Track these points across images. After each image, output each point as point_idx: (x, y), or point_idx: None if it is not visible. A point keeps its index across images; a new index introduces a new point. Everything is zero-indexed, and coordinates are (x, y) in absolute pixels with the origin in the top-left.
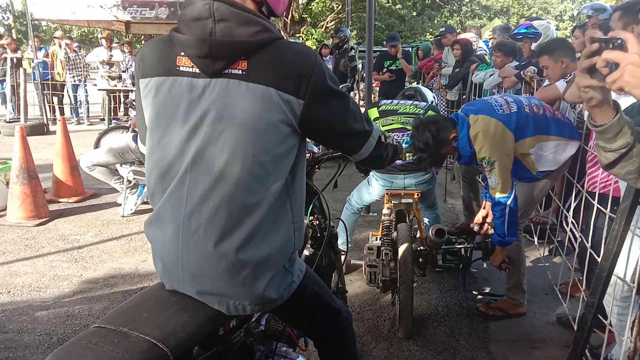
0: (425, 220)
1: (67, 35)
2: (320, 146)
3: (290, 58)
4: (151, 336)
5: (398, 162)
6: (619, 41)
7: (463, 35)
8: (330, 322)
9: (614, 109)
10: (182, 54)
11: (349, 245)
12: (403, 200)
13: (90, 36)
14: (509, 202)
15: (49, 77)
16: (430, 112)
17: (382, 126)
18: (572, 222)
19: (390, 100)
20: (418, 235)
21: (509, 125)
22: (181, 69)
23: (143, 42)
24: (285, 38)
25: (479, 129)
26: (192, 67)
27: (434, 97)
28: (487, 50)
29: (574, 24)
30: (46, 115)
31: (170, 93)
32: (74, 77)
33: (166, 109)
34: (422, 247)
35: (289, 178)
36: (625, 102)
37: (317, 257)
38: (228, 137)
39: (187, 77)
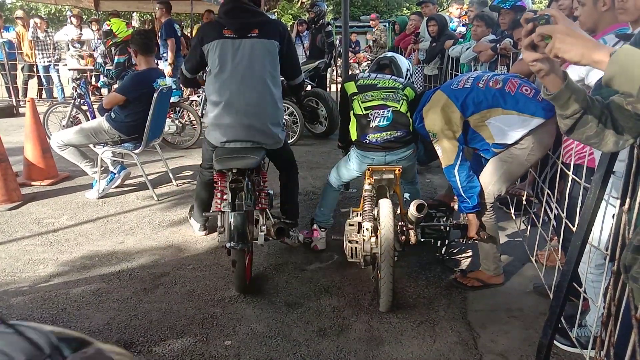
0: (406, 195)
1: (38, 14)
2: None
3: (276, 25)
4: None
5: (379, 140)
6: (546, 17)
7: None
8: (293, 164)
9: (563, 78)
10: (226, 28)
11: (331, 222)
12: (384, 176)
13: (59, 15)
14: (456, 170)
15: (15, 57)
16: (408, 89)
17: (362, 102)
18: (547, 193)
19: (367, 74)
20: (398, 211)
21: (457, 100)
22: (226, 35)
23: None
24: None
25: (431, 104)
26: (232, 34)
27: (409, 66)
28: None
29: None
30: (15, 97)
31: (222, 47)
32: (43, 58)
33: (221, 55)
34: (402, 222)
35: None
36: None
37: None
38: (256, 66)
39: (230, 39)
